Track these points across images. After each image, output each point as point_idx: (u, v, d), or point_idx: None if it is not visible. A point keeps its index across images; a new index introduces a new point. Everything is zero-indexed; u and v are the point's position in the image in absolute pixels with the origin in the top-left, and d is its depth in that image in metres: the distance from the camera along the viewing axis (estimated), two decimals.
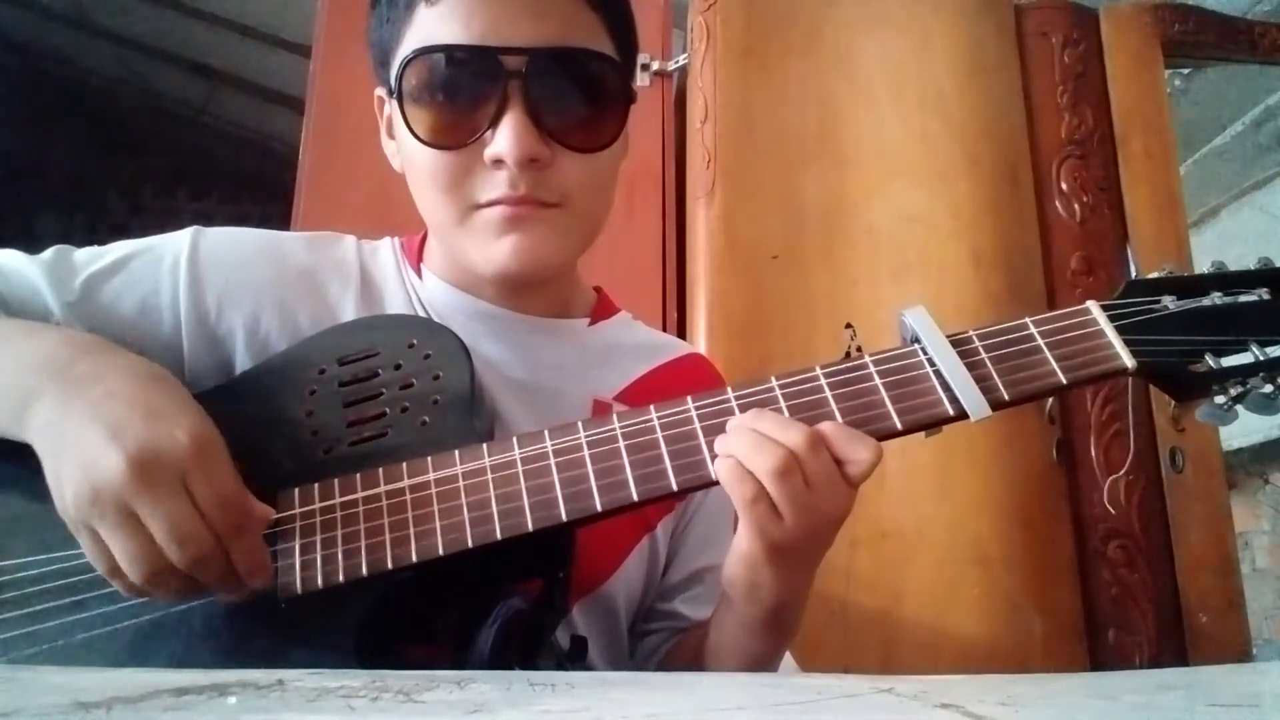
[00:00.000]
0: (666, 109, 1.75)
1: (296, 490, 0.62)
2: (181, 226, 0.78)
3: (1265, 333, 0.63)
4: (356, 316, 0.76)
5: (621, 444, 0.61)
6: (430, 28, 0.69)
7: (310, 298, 0.77)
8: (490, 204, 0.70)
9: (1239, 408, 0.64)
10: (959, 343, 0.63)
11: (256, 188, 4.82)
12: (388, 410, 0.66)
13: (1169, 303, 0.64)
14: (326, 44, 1.77)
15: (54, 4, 4.03)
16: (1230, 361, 0.63)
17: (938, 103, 1.65)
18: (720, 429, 0.61)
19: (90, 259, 0.74)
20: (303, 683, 0.41)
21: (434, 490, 0.61)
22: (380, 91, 0.78)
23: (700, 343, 1.52)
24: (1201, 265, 0.68)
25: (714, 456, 0.61)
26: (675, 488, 0.60)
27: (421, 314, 0.78)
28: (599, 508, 0.60)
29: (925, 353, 0.63)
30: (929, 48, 1.69)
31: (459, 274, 0.79)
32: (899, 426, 0.61)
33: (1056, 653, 1.47)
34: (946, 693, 0.43)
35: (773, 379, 0.63)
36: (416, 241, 0.83)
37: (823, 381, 0.63)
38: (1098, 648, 1.50)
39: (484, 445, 0.63)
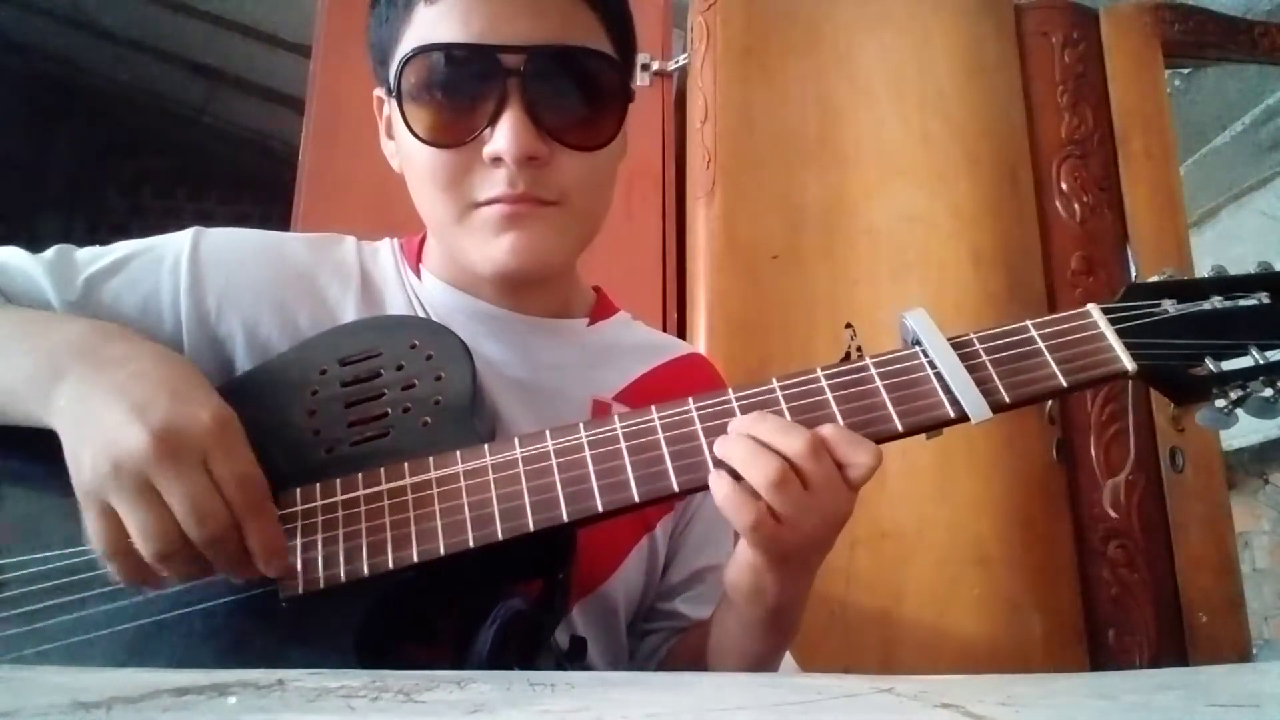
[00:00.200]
0: (666, 109, 1.75)
1: (298, 490, 0.62)
2: (181, 226, 0.79)
3: (1265, 336, 0.63)
4: (357, 317, 0.76)
5: (623, 445, 0.62)
6: (429, 27, 0.69)
7: (311, 299, 0.77)
8: (489, 202, 0.70)
9: (1239, 411, 0.64)
10: (959, 345, 0.63)
11: (256, 188, 4.82)
12: (389, 411, 0.66)
13: (1169, 306, 0.65)
14: (326, 44, 1.77)
15: (54, 4, 4.03)
16: (1230, 365, 0.63)
17: (938, 103, 1.66)
18: (721, 430, 0.61)
19: (92, 258, 0.75)
20: (303, 683, 0.41)
21: (435, 490, 0.61)
22: (379, 92, 0.78)
23: (700, 343, 1.52)
24: (1201, 265, 0.68)
25: (715, 458, 0.61)
26: (676, 489, 0.60)
27: (421, 315, 0.78)
28: (600, 508, 0.60)
29: (926, 355, 0.63)
30: (929, 47, 1.69)
31: (458, 274, 0.79)
32: (900, 428, 0.61)
33: (1056, 653, 1.47)
34: (946, 693, 0.43)
35: (774, 380, 0.63)
36: (416, 242, 0.83)
37: (824, 383, 0.63)
38: (1098, 648, 1.50)
39: (485, 446, 0.63)
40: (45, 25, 4.24)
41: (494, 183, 0.69)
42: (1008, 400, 0.62)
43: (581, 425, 0.63)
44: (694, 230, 1.62)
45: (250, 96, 4.18)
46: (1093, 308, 0.65)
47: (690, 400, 0.63)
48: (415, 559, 0.59)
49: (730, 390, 0.63)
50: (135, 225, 4.88)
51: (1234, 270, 0.67)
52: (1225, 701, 0.42)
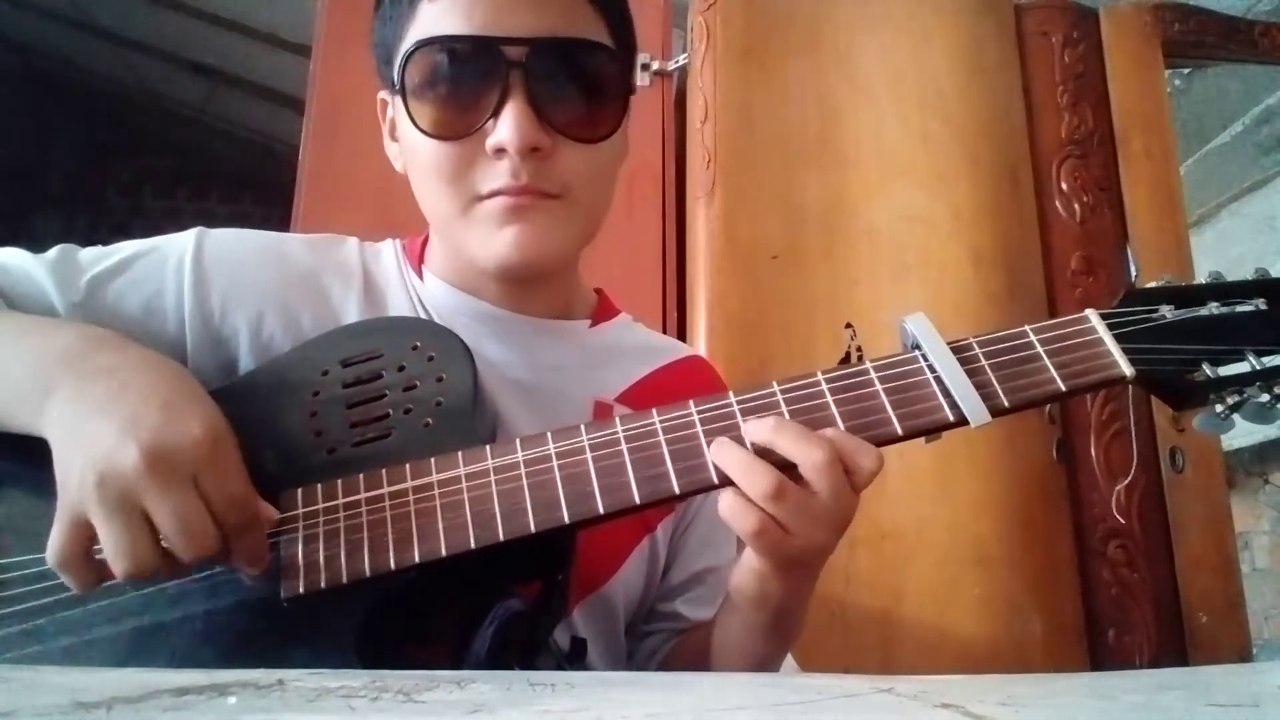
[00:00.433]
0: (666, 109, 1.75)
1: (300, 491, 0.62)
2: (182, 227, 0.79)
3: (1262, 342, 0.63)
4: (359, 318, 0.76)
5: (624, 447, 0.62)
6: (432, 21, 0.70)
7: (313, 299, 0.77)
8: (492, 194, 0.70)
9: (1236, 416, 0.64)
10: (959, 349, 0.63)
11: (256, 188, 4.83)
12: (391, 412, 0.66)
13: (1167, 312, 0.65)
14: (326, 44, 1.77)
15: (54, 4, 4.03)
16: (1227, 371, 0.63)
17: (938, 103, 1.65)
18: (722, 432, 0.61)
19: (95, 259, 0.75)
20: (303, 683, 0.41)
21: (437, 491, 0.61)
22: (383, 94, 0.79)
23: (700, 343, 1.52)
24: (1201, 265, 0.69)
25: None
26: (678, 491, 0.60)
27: (423, 315, 0.78)
28: (601, 510, 0.60)
29: (926, 359, 0.63)
30: (929, 47, 1.68)
31: (461, 274, 0.79)
32: (899, 432, 0.61)
33: (1056, 653, 1.47)
34: (946, 693, 0.43)
35: (774, 384, 0.63)
36: (418, 243, 0.84)
37: (824, 386, 0.63)
38: (1098, 648, 1.50)
39: (487, 447, 0.63)
40: (45, 25, 4.24)
41: (497, 174, 0.69)
42: (1007, 405, 0.62)
43: (583, 427, 0.63)
44: (694, 230, 1.62)
45: (250, 96, 4.18)
46: (1091, 313, 0.65)
47: (691, 403, 0.63)
48: (416, 559, 0.59)
49: (731, 393, 0.63)
50: (135, 225, 4.88)
51: (1232, 274, 0.67)
52: (1225, 701, 0.42)
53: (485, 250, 0.71)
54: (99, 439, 0.55)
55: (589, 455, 0.62)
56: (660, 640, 0.83)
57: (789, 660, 0.76)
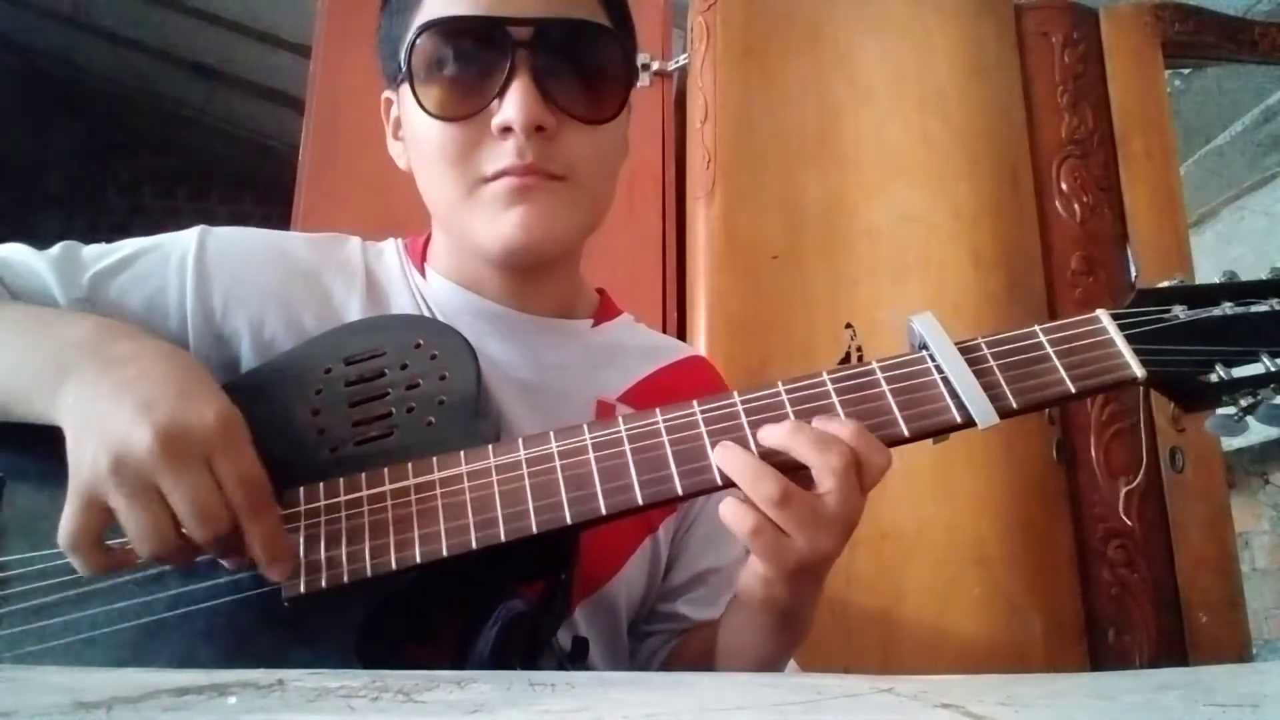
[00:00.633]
0: (666, 109, 1.75)
1: (301, 489, 0.62)
2: (182, 226, 0.79)
3: (1276, 343, 0.62)
4: (361, 317, 0.76)
5: (627, 447, 0.61)
6: (439, 7, 0.71)
7: (315, 298, 0.77)
8: (497, 176, 0.70)
9: (1249, 419, 0.63)
10: (967, 350, 0.63)
11: (256, 188, 4.83)
12: (393, 410, 0.66)
13: (1179, 312, 0.64)
14: (326, 44, 1.77)
15: (54, 4, 4.03)
16: (1241, 372, 0.62)
17: (938, 103, 1.65)
18: (725, 433, 0.61)
19: (98, 255, 0.75)
20: (303, 683, 0.41)
21: (438, 491, 0.61)
22: (387, 93, 0.79)
23: (700, 343, 1.52)
24: (1201, 265, 0.68)
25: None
26: (680, 492, 0.60)
27: (426, 314, 0.78)
28: (604, 510, 0.60)
29: (933, 360, 0.63)
30: (929, 48, 1.68)
31: (464, 271, 0.79)
32: (906, 433, 0.61)
33: (1056, 653, 1.47)
34: (946, 693, 0.43)
35: (779, 384, 0.63)
36: (420, 242, 0.84)
37: (830, 387, 0.62)
38: (1098, 648, 1.50)
39: (489, 446, 0.63)
40: (45, 25, 4.24)
41: (502, 154, 0.70)
42: (1015, 406, 0.61)
43: (586, 427, 0.63)
44: (694, 230, 1.62)
45: (250, 96, 4.18)
46: (1102, 313, 0.64)
47: (695, 403, 0.63)
48: (418, 559, 0.59)
49: (735, 393, 0.63)
50: (135, 225, 4.88)
51: (1240, 273, 0.66)
52: (1225, 701, 0.42)
53: (490, 233, 0.72)
54: (113, 423, 0.56)
55: (592, 455, 0.61)
56: (661, 640, 0.83)
57: (789, 660, 0.76)
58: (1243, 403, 0.63)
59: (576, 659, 0.71)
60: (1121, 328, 0.63)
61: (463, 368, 0.67)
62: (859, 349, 1.53)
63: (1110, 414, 1.57)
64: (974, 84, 1.68)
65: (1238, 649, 1.55)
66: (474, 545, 0.59)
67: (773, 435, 0.60)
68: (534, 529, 0.59)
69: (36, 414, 0.61)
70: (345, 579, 0.59)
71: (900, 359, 0.64)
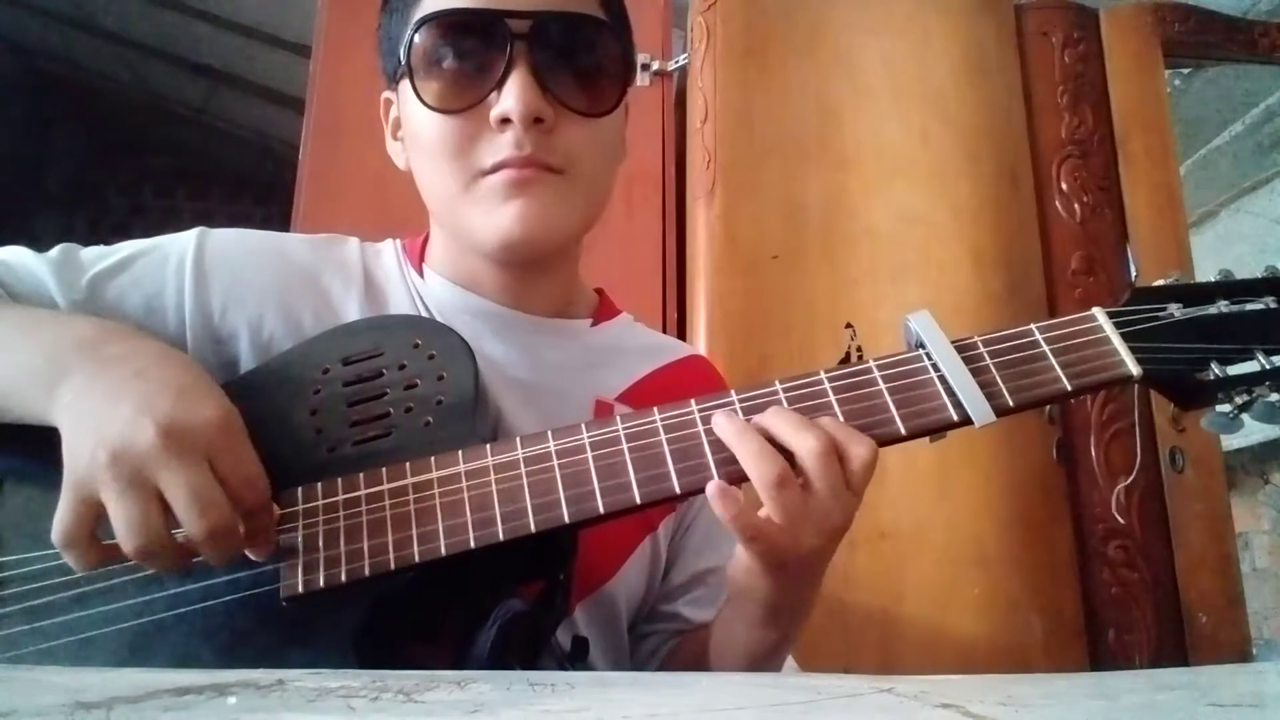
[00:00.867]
0: (666, 109, 1.75)
1: (299, 489, 0.62)
2: (182, 226, 0.79)
3: (1272, 341, 0.63)
4: (360, 317, 0.77)
5: (625, 446, 0.61)
6: (438, 1, 0.71)
7: (314, 298, 0.77)
8: (495, 168, 0.71)
9: (1245, 416, 0.64)
10: (964, 348, 0.63)
11: (256, 188, 4.83)
12: (391, 410, 0.66)
13: (1175, 310, 0.64)
14: (326, 44, 1.77)
15: (54, 4, 4.03)
16: (1236, 370, 0.62)
17: (938, 103, 1.65)
18: None
19: (96, 257, 0.75)
20: (303, 683, 0.41)
21: (437, 490, 0.61)
22: (387, 93, 0.80)
23: (700, 343, 1.52)
24: (1201, 265, 0.68)
25: (717, 459, 0.60)
26: (678, 491, 0.60)
27: (424, 314, 0.78)
28: (602, 509, 0.60)
29: (930, 358, 0.63)
30: (929, 48, 1.69)
31: (462, 270, 0.79)
32: (903, 431, 0.61)
33: (1056, 653, 1.47)
34: (946, 693, 0.43)
35: (776, 382, 0.63)
36: (419, 242, 0.84)
37: (826, 385, 0.63)
38: (1098, 648, 1.50)
39: (487, 446, 0.63)
40: (46, 25, 4.24)
41: (501, 146, 0.70)
42: (1011, 404, 0.61)
43: (583, 426, 0.63)
44: (694, 230, 1.62)
45: (250, 96, 4.18)
46: (1098, 311, 0.64)
47: (693, 402, 0.63)
48: (416, 559, 0.59)
49: (733, 392, 0.63)
50: (135, 225, 4.88)
51: (1239, 273, 0.67)
52: (1225, 701, 0.42)
53: (488, 226, 0.72)
54: (111, 419, 0.56)
55: (589, 454, 0.61)
56: (659, 641, 0.83)
57: (789, 660, 0.76)
58: (1238, 400, 0.63)
59: (576, 658, 0.70)
60: (1117, 326, 0.63)
61: (460, 368, 0.67)
62: (859, 349, 1.53)
63: (1110, 414, 1.57)
64: (974, 84, 1.68)
65: (1238, 649, 1.55)
66: (472, 545, 0.59)
67: (754, 420, 0.60)
68: (532, 528, 0.59)
69: (33, 414, 0.61)
70: (343, 579, 0.59)
71: (897, 358, 0.64)
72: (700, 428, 0.62)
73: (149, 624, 0.60)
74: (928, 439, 0.63)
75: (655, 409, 0.63)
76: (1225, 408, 0.64)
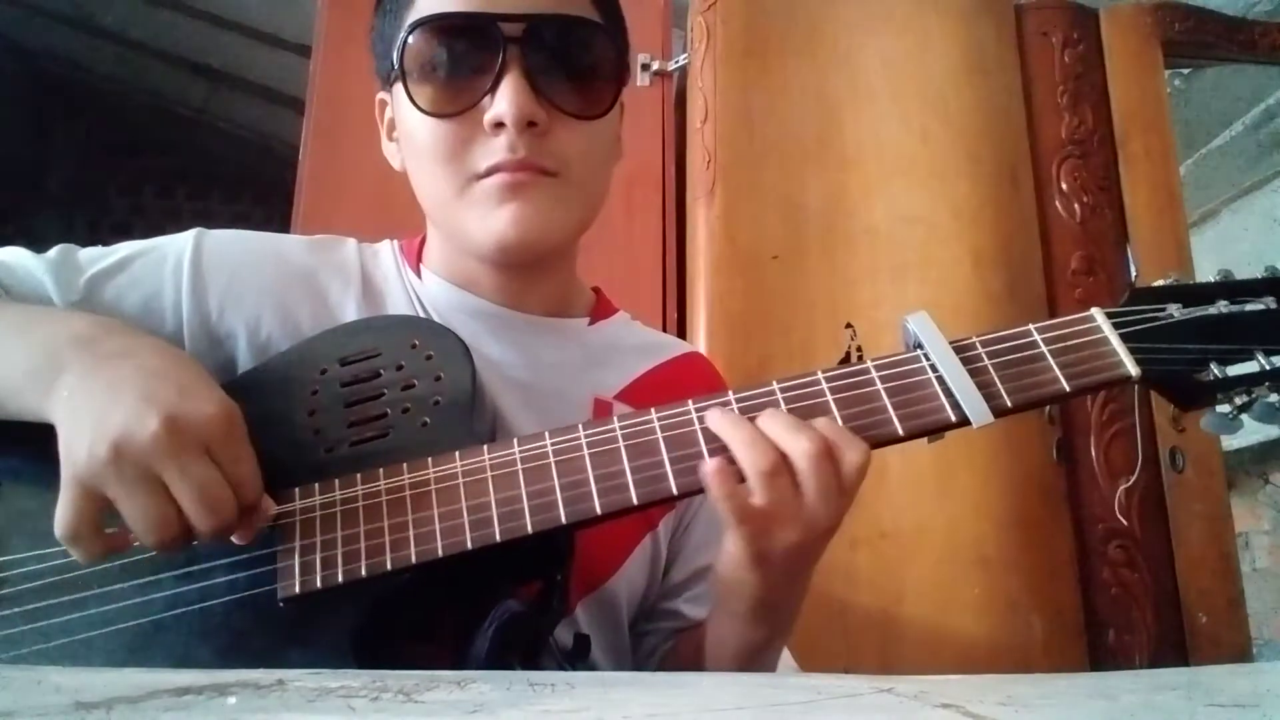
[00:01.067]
0: (666, 109, 1.75)
1: (296, 489, 0.62)
2: (182, 227, 0.79)
3: (1271, 342, 0.63)
4: (357, 317, 0.76)
5: (622, 446, 0.61)
6: (431, 4, 0.71)
7: (311, 299, 0.77)
8: (490, 172, 0.71)
9: (1244, 417, 0.64)
10: (962, 349, 0.63)
11: (256, 188, 4.83)
12: (389, 411, 0.66)
13: (1174, 311, 0.64)
14: (326, 44, 1.77)
15: (54, 4, 4.03)
16: (1236, 370, 0.62)
17: (938, 103, 1.65)
18: None
19: (94, 258, 0.75)
20: (303, 683, 0.41)
21: (434, 490, 0.61)
22: (382, 94, 0.79)
23: (700, 343, 1.52)
24: (1201, 265, 0.68)
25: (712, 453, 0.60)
26: (675, 491, 0.60)
27: (422, 314, 0.78)
28: (599, 510, 0.60)
29: (928, 358, 0.63)
30: (929, 48, 1.69)
31: (459, 270, 0.79)
32: (900, 432, 0.61)
33: (1056, 653, 1.47)
34: (946, 693, 0.43)
35: (774, 382, 0.63)
36: (416, 243, 0.84)
37: (824, 385, 0.62)
38: (1098, 648, 1.50)
39: (484, 446, 0.63)
40: (46, 25, 4.24)
41: (494, 150, 0.70)
42: (1009, 405, 0.61)
43: (580, 426, 0.63)
44: (694, 230, 1.62)
45: (250, 96, 4.18)
46: (1096, 312, 0.64)
47: (690, 401, 0.63)
48: (413, 560, 0.59)
49: (730, 391, 0.63)
50: (135, 225, 4.88)
51: (1239, 273, 0.67)
52: (1225, 701, 0.42)
53: (483, 230, 0.72)
54: (111, 414, 0.55)
55: (586, 455, 0.61)
56: (659, 639, 0.83)
57: (789, 660, 0.76)
58: (1238, 401, 0.63)
59: (579, 656, 0.71)
60: (1116, 326, 0.63)
61: (458, 368, 0.67)
62: (859, 349, 1.53)
63: (1110, 414, 1.57)
64: (974, 84, 1.68)
65: (1238, 649, 1.55)
66: (469, 545, 0.59)
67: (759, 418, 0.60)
68: (529, 529, 0.59)
69: (29, 411, 0.61)
70: (340, 580, 0.59)
71: (895, 358, 0.64)
72: (697, 428, 0.62)
73: (147, 625, 0.60)
74: (926, 440, 0.63)
75: (653, 409, 0.63)
76: (1225, 408, 0.63)
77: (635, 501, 0.60)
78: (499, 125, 0.69)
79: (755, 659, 0.70)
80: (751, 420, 0.60)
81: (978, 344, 0.63)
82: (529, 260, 0.76)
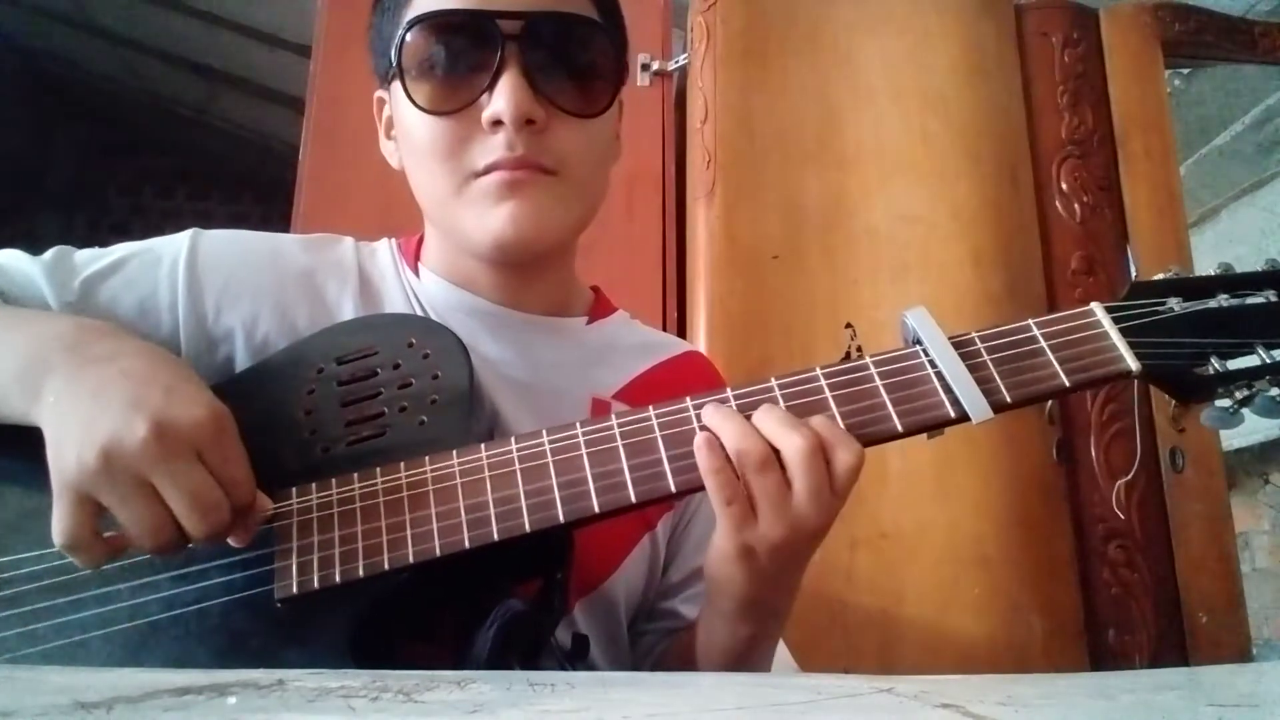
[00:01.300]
0: (666, 109, 1.75)
1: (293, 489, 0.62)
2: (182, 227, 0.79)
3: (1272, 335, 0.62)
4: (355, 316, 0.76)
5: (620, 444, 0.61)
6: (429, 1, 0.71)
7: (308, 298, 0.77)
8: (488, 170, 0.70)
9: (1245, 411, 0.63)
10: (961, 344, 0.63)
11: (256, 188, 4.83)
12: (386, 410, 0.66)
13: (1174, 304, 0.64)
14: (326, 44, 1.77)
15: (54, 4, 4.03)
16: (1236, 364, 0.62)
17: (938, 103, 1.65)
18: None
19: (90, 260, 0.75)
20: (303, 683, 0.41)
21: (431, 490, 0.61)
22: (380, 92, 0.79)
23: (700, 343, 1.52)
24: (1202, 265, 0.68)
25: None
26: (674, 489, 0.60)
27: (420, 312, 0.78)
28: (597, 509, 0.60)
29: (927, 354, 0.63)
30: (929, 48, 1.69)
31: (457, 269, 0.79)
32: (899, 428, 0.61)
33: (1056, 653, 1.46)
34: (946, 693, 0.43)
35: (772, 379, 0.63)
36: (414, 242, 0.84)
37: (823, 382, 0.62)
38: (1098, 648, 1.50)
39: (482, 445, 0.63)
40: (46, 25, 4.24)
41: (492, 148, 0.70)
42: (1009, 400, 0.61)
43: (578, 425, 0.63)
44: (694, 230, 1.62)
45: (250, 96, 4.18)
46: (1096, 306, 0.64)
47: (688, 399, 0.63)
48: (411, 560, 0.59)
49: (729, 389, 0.63)
50: (135, 225, 4.89)
51: (1240, 269, 0.67)
52: (1225, 701, 0.42)
53: (481, 228, 0.72)
54: (98, 420, 0.55)
55: (584, 453, 0.61)
56: (655, 639, 0.83)
57: (789, 660, 0.76)
58: (1238, 395, 0.63)
59: (578, 656, 0.70)
60: (1116, 320, 0.63)
61: (455, 366, 0.67)
62: (859, 349, 1.52)
63: (1110, 414, 1.57)
64: (974, 84, 1.68)
65: (1238, 649, 1.55)
66: (467, 545, 0.59)
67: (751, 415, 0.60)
68: (527, 528, 0.59)
69: (15, 414, 0.61)
70: (337, 579, 0.59)
71: (893, 354, 0.64)
72: (696, 425, 0.61)
73: (144, 626, 0.60)
74: (925, 436, 0.63)
75: (650, 407, 0.63)
76: (1225, 402, 0.63)
77: (634, 500, 0.60)
78: (497, 123, 0.69)
79: (744, 658, 0.69)
80: (747, 416, 0.60)
81: (977, 339, 0.63)
82: (527, 259, 0.76)
